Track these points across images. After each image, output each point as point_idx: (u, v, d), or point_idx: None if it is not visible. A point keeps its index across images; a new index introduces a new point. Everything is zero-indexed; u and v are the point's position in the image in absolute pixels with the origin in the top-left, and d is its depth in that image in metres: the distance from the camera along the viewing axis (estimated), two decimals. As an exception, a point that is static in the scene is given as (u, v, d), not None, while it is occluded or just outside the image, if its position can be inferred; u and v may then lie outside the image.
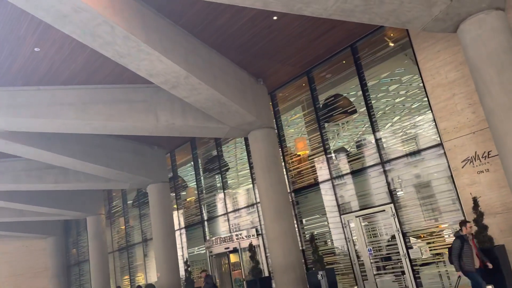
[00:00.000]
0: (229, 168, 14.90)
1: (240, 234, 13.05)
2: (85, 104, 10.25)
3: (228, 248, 13.23)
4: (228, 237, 13.27)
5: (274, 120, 12.29)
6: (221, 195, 14.83)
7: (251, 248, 12.02)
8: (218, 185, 15.05)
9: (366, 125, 10.47)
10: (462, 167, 8.22)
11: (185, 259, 15.11)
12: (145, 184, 15.98)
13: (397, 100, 10.15)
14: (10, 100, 9.66)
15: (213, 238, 13.73)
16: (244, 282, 12.77)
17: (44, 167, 14.64)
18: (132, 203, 19.81)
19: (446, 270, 8.72)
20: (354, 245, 10.28)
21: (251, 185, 13.60)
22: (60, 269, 24.37)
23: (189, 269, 14.41)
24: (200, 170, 15.93)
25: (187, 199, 16.74)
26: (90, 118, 10.25)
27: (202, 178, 15.82)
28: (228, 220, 14.29)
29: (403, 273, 9.24)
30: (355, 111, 10.96)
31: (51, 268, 24.30)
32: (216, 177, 15.31)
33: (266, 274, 12.23)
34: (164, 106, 10.94)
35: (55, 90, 10.16)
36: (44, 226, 23.58)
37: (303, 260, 11.13)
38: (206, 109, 10.14)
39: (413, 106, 9.68)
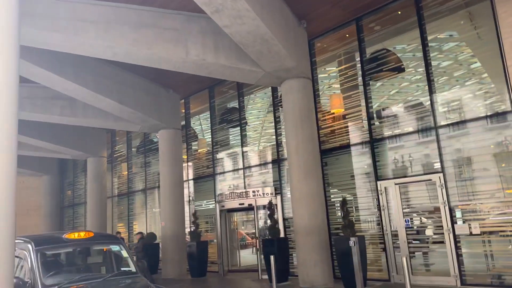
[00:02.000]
0: (249, 122, 13.86)
1: (258, 191, 12.18)
2: (108, 23, 8.96)
3: (242, 204, 12.40)
4: (243, 193, 12.40)
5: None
6: (238, 149, 13.86)
7: (271, 206, 11.18)
8: (237, 138, 14.04)
9: (422, 85, 9.38)
10: (537, 139, 7.25)
11: (192, 211, 14.32)
12: (156, 129, 14.92)
13: (461, 58, 9.00)
14: (28, 8, 8.31)
15: (227, 193, 12.86)
16: (260, 240, 12.02)
17: (50, 97, 13.45)
18: (137, 149, 18.80)
19: (491, 251, 7.98)
20: (389, 214, 9.44)
21: (273, 142, 12.61)
22: (54, 209, 23.66)
23: (197, 221, 13.62)
24: (217, 121, 14.86)
25: (199, 150, 15.76)
26: (112, 40, 9.00)
27: (218, 129, 14.77)
28: (244, 176, 13.38)
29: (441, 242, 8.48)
30: (404, 69, 9.85)
31: (44, 207, 23.58)
32: (234, 130, 14.28)
33: (282, 235, 11.47)
34: (195, 38, 9.69)
35: (77, 4, 8.83)
36: (40, 164, 22.63)
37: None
38: (244, 45, 8.91)
39: (482, 68, 8.57)
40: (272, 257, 9.14)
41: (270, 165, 12.73)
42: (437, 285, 8.15)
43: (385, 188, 9.55)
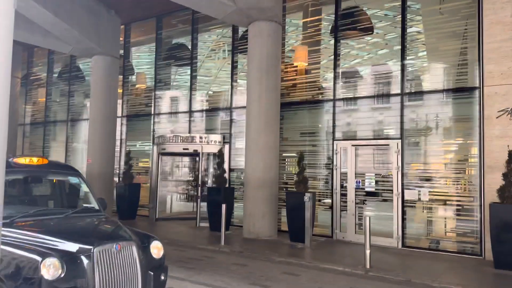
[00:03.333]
0: (201, 63, 12.82)
1: (206, 138, 11.47)
2: None
3: (187, 149, 11.62)
4: (189, 138, 11.60)
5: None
6: (185, 91, 12.83)
7: (221, 155, 10.63)
8: (185, 78, 12.95)
9: (394, 48, 9.32)
10: (497, 117, 7.64)
11: (126, 151, 13.15)
12: (90, 53, 13.09)
13: (437, 29, 9.04)
14: None
15: (170, 135, 11.93)
16: (203, 188, 11.48)
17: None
18: (59, 75, 16.50)
19: (433, 218, 8.53)
20: (341, 174, 9.53)
21: (227, 88, 11.86)
22: None
23: (130, 162, 12.55)
24: (162, 56, 13.50)
25: (137, 86, 14.31)
26: None
27: (162, 66, 13.46)
28: (190, 120, 12.51)
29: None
30: (372, 30, 9.69)
31: None
32: (182, 69, 13.15)
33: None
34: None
35: None
36: None
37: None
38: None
39: (457, 41, 8.70)
40: (224, 206, 8.76)
41: (220, 112, 12.02)
42: (379, 245, 8.52)
43: (341, 148, 9.56)
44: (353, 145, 9.41)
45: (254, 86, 9.68)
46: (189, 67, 12.71)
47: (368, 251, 6.82)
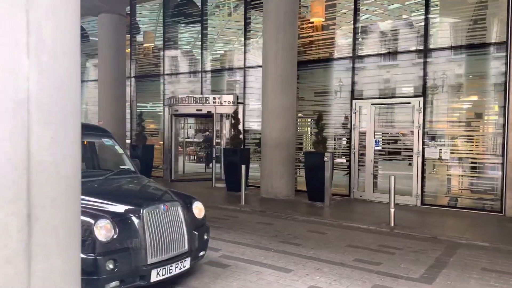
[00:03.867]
0: (212, 20, 12.40)
1: (219, 98, 11.29)
2: None
3: (200, 110, 11.47)
4: (203, 99, 11.41)
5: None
6: (196, 50, 12.50)
7: (236, 116, 10.52)
8: (195, 37, 12.57)
9: (417, 1, 8.96)
10: (526, 75, 7.49)
11: (138, 112, 13.01)
12: (96, 12, 12.63)
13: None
14: None
15: (182, 96, 11.74)
16: (219, 149, 11.47)
17: None
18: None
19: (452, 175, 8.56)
20: (359, 133, 9.46)
21: (240, 46, 11.53)
22: None
23: (142, 123, 12.44)
24: (170, 13, 13.03)
25: (144, 45, 13.93)
26: None
27: (171, 24, 13.03)
28: (202, 80, 12.27)
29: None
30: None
31: None
32: (192, 27, 12.73)
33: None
34: None
35: None
36: None
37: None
38: None
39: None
40: (243, 166, 8.74)
41: (232, 72, 11.77)
42: (397, 203, 8.57)
43: (359, 107, 9.43)
44: (372, 104, 9.27)
45: (271, 44, 9.39)
46: (199, 25, 12.30)
47: (392, 209, 6.88)
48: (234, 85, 11.79)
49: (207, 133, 14.34)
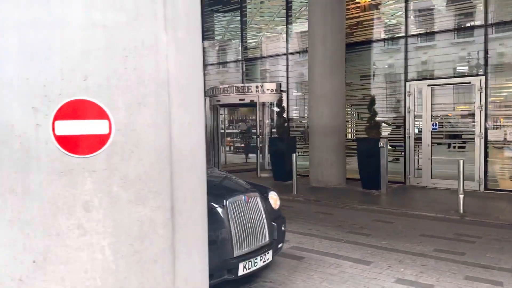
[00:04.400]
0: (253, 5, 12.15)
1: (261, 87, 11.07)
2: None
3: (243, 100, 11.30)
4: (245, 88, 11.23)
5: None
6: (235, 39, 12.31)
7: (280, 104, 10.29)
8: (235, 24, 12.37)
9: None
10: None
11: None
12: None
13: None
14: None
15: (224, 86, 11.60)
16: (262, 138, 11.30)
17: None
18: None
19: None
20: (414, 117, 9.03)
21: (282, 32, 11.24)
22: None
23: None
24: (207, 2, 12.87)
25: None
26: None
27: (208, 11, 12.89)
28: (243, 69, 12.08)
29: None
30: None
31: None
32: (230, 14, 12.54)
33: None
34: None
35: None
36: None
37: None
38: None
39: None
40: (294, 155, 8.51)
41: (276, 59, 11.50)
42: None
43: (414, 89, 8.98)
44: (428, 85, 8.80)
45: (318, 27, 9.05)
46: (237, 12, 12.07)
47: (461, 196, 6.48)
48: (276, 73, 11.52)
49: (247, 122, 14.18)
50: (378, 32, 9.58)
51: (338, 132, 9.21)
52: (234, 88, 11.33)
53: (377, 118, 8.81)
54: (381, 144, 8.20)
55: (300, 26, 10.86)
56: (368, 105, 8.86)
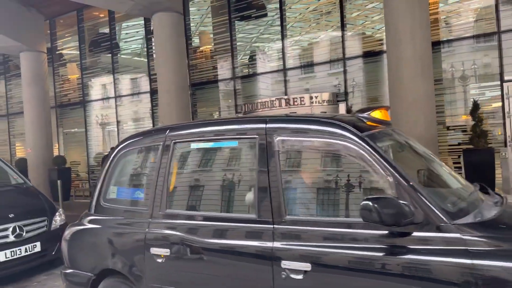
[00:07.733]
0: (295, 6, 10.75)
1: (316, 97, 9.58)
2: None
3: (294, 113, 9.68)
4: (296, 99, 9.67)
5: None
6: (275, 46, 10.83)
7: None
8: (271, 28, 10.89)
9: None
10: None
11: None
12: (151, 11, 10.74)
13: None
14: None
15: (262, 100, 9.96)
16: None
17: None
18: (92, 45, 14.04)
19: None
20: (515, 121, 7.87)
21: (336, 32, 9.86)
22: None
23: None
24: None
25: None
26: None
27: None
28: (285, 80, 10.55)
29: None
30: None
31: None
32: (265, 17, 11.07)
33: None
34: None
35: None
36: None
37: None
38: None
39: None
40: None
41: (330, 65, 10.12)
42: None
43: (514, 91, 7.86)
44: (531, 85, 7.71)
45: (404, 22, 7.72)
46: (276, 13, 10.62)
47: None
48: (329, 81, 10.11)
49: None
50: (463, 29, 8.46)
51: (433, 142, 7.82)
52: (284, 100, 9.72)
53: (484, 125, 7.57)
54: (503, 154, 6.92)
55: (357, 25, 9.58)
56: (471, 110, 7.62)
